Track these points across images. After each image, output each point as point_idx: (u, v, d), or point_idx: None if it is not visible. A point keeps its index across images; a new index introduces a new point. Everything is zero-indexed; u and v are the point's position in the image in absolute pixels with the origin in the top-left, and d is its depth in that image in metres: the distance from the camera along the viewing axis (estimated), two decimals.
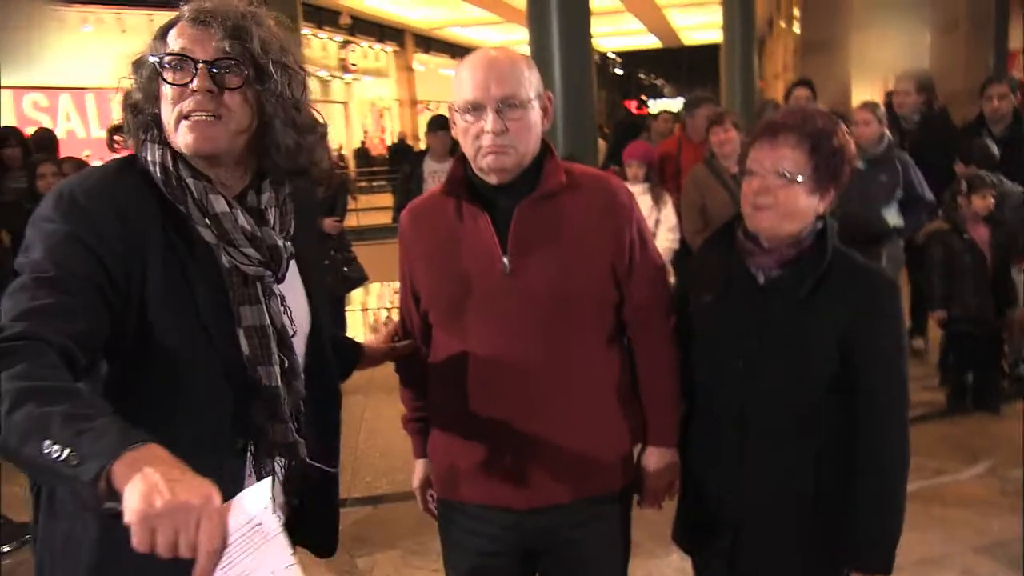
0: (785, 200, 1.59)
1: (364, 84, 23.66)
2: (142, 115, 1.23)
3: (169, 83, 1.18)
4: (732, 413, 1.66)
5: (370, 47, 22.92)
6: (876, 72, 14.91)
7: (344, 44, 21.44)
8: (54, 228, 1.13)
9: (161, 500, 0.85)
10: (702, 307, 1.72)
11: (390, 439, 4.61)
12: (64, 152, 5.62)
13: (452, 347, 1.66)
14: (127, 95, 1.24)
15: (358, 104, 23.81)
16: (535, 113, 1.59)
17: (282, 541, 0.89)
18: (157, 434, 1.08)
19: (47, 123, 13.23)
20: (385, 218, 8.15)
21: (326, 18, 19.29)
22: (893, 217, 4.16)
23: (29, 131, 5.98)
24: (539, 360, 1.60)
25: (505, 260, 1.59)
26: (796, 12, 15.25)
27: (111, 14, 15.10)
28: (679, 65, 34.72)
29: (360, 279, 5.32)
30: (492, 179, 1.60)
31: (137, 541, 0.84)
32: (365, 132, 23.21)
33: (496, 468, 1.64)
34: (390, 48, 24.07)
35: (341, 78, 22.22)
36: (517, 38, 26.96)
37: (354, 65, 22.45)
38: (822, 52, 12.88)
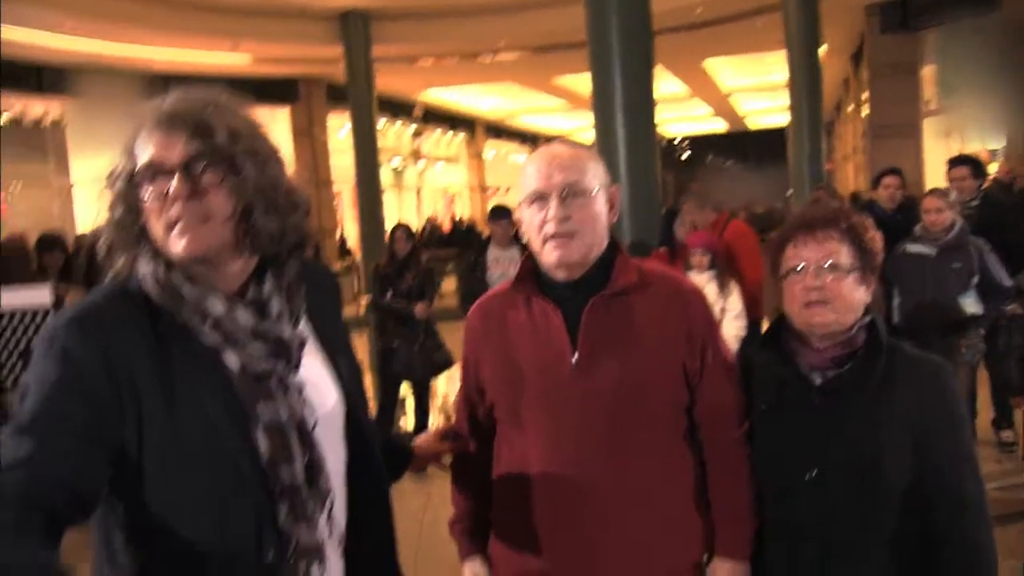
0: (840, 293, 1.56)
1: (436, 171, 24.30)
2: (129, 230, 1.20)
3: (146, 199, 1.17)
4: (808, 527, 1.56)
5: (442, 135, 23.61)
6: (947, 156, 14.64)
7: (417, 134, 22.14)
8: (43, 371, 1.12)
9: None
10: (759, 415, 1.66)
11: None
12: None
13: (517, 444, 1.63)
14: (110, 209, 1.21)
15: (430, 190, 24.41)
16: (600, 203, 1.58)
17: None
18: (184, 562, 1.10)
19: None
20: (450, 302, 8.23)
21: (401, 110, 20.01)
22: (971, 305, 4.00)
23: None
24: (604, 461, 1.56)
25: (575, 357, 1.56)
26: (864, 96, 15.17)
27: None
28: (746, 148, 34.74)
29: (448, 363, 5.36)
30: (560, 275, 1.59)
31: None
32: (434, 213, 23.73)
33: (566, 572, 1.59)
34: (461, 136, 24.75)
35: (414, 166, 22.88)
36: (586, 124, 27.47)
37: (426, 153, 23.13)
38: (892, 136, 12.74)
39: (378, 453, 1.42)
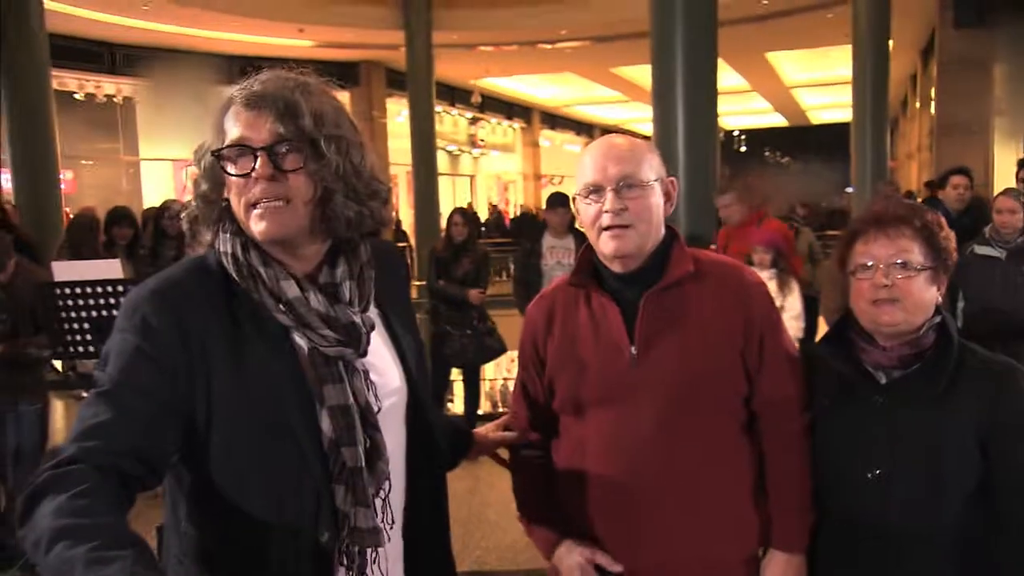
0: (910, 292, 1.51)
1: (491, 158, 24.34)
2: (213, 205, 1.22)
3: (232, 175, 1.18)
4: (868, 524, 1.54)
5: (498, 123, 23.62)
6: (1017, 157, 14.14)
7: (474, 120, 22.19)
8: (123, 340, 1.15)
9: None
10: (820, 410, 1.62)
11: (501, 513, 4.54)
12: None
13: (575, 434, 1.63)
14: (196, 184, 1.23)
15: (484, 177, 24.48)
16: (656, 195, 1.57)
17: None
18: (242, 536, 1.14)
19: None
20: (505, 288, 8.24)
21: (459, 96, 20.06)
22: None
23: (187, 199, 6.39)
24: (662, 451, 1.55)
25: (632, 350, 1.56)
26: (932, 92, 14.72)
27: None
28: (806, 143, 34.06)
29: (500, 350, 5.38)
30: (616, 267, 1.59)
31: None
32: (493, 205, 23.77)
33: (622, 561, 1.58)
34: (517, 124, 24.74)
35: (470, 152, 22.95)
36: (641, 115, 27.21)
37: (482, 141, 23.17)
38: (960, 134, 12.34)
39: (439, 436, 1.40)
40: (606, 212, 1.54)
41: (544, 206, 5.33)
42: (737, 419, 1.62)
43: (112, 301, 3.23)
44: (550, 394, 1.67)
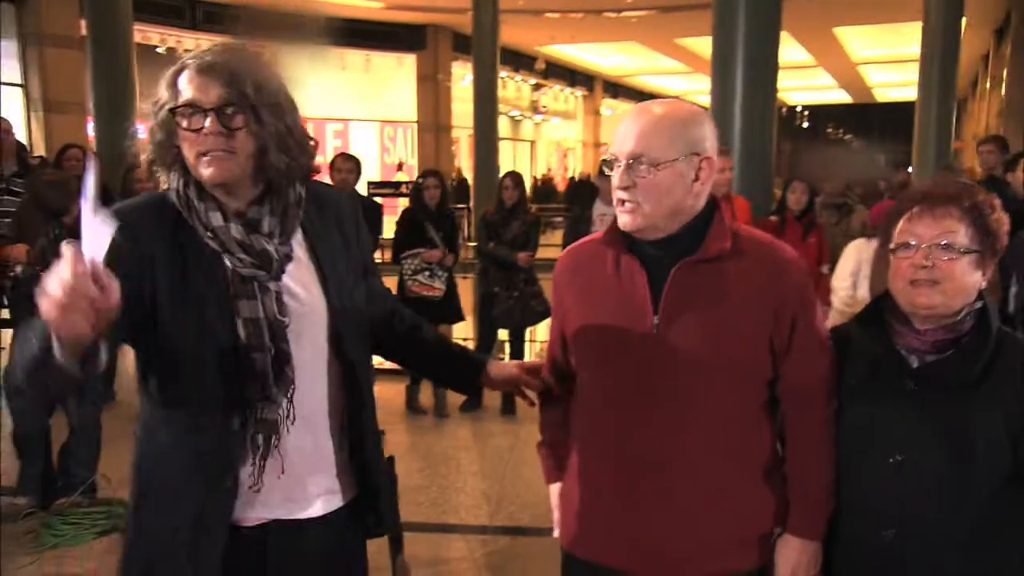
0: (952, 275, 1.42)
1: (552, 125, 24.09)
2: (167, 150, 1.42)
3: (185, 129, 1.38)
4: (888, 513, 1.46)
5: (561, 90, 23.32)
6: None
7: (537, 87, 21.94)
8: None
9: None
10: (848, 391, 1.55)
11: (537, 471, 4.54)
12: None
13: (590, 394, 1.59)
14: (151, 133, 1.43)
15: (545, 143, 24.26)
16: (676, 173, 1.47)
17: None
18: (176, 410, 1.44)
19: None
20: (557, 254, 8.17)
21: (523, 62, 19.83)
22: None
23: None
24: (677, 424, 1.50)
25: (655, 319, 1.50)
26: (1004, 74, 14.01)
27: (335, 53, 16.25)
28: (870, 121, 32.90)
29: (546, 312, 5.35)
30: (636, 236, 1.53)
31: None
32: (549, 168, 23.57)
33: (616, 531, 1.55)
34: (580, 92, 24.39)
35: (531, 118, 22.74)
36: (703, 87, 26.58)
37: (544, 107, 22.92)
38: None
39: (364, 361, 1.58)
40: (616, 187, 1.49)
41: (596, 173, 5.22)
42: (757, 401, 1.54)
43: None
44: (571, 347, 1.63)
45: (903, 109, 23.84)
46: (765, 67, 5.58)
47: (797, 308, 1.52)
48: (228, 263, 1.42)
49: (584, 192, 17.89)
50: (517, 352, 5.56)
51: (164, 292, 1.39)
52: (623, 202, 1.50)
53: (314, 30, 14.08)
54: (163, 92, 1.41)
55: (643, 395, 1.51)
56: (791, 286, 1.52)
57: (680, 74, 23.38)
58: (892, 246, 1.48)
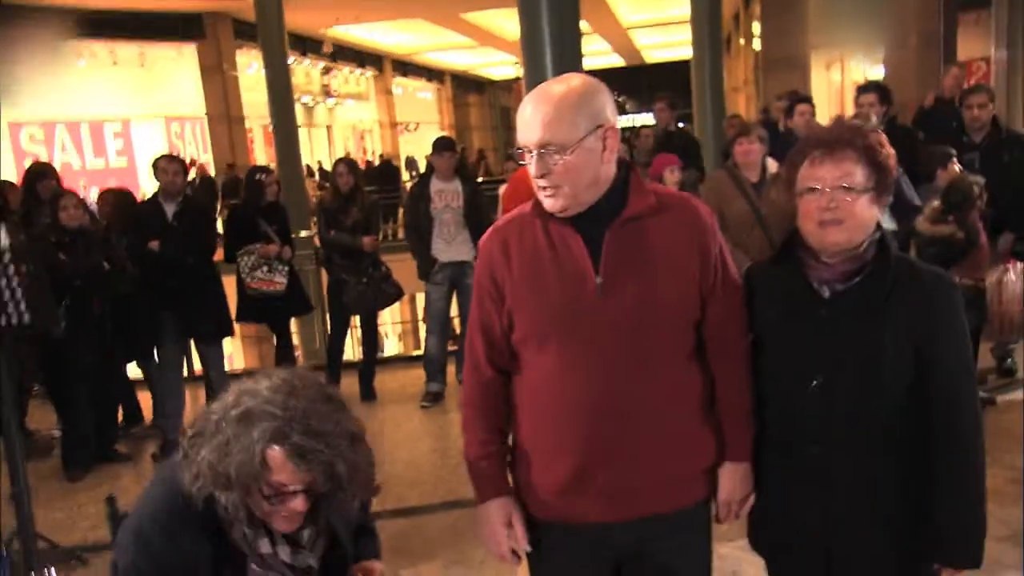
0: (853, 213, 1.56)
1: (346, 107, 23.52)
2: (230, 493, 1.37)
3: (269, 503, 1.38)
4: (812, 430, 1.61)
5: (351, 72, 22.80)
6: (833, 86, 15.13)
7: (326, 71, 21.31)
8: (133, 562, 1.42)
9: None
10: (765, 323, 1.68)
11: (412, 451, 4.54)
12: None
13: (541, 366, 1.62)
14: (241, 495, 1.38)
15: (340, 127, 23.66)
16: (584, 151, 1.53)
17: None
18: None
19: (43, 155, 13.01)
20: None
21: (309, 46, 19.16)
22: (885, 221, 4.16)
23: (26, 164, 5.89)
24: (627, 377, 1.57)
25: (598, 280, 1.55)
26: (756, 30, 15.41)
27: (103, 48, 14.90)
28: (639, 83, 34.96)
29: (397, 294, 5.27)
30: (561, 214, 1.57)
31: None
32: (347, 152, 23.03)
33: (588, 484, 1.60)
34: (370, 73, 23.96)
35: (324, 103, 22.08)
36: (491, 60, 26.99)
37: (336, 91, 22.33)
38: (783, 69, 13.02)
39: None
40: (534, 176, 1.54)
41: (431, 152, 5.20)
42: (690, 343, 1.65)
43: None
44: (510, 327, 1.64)
45: (670, 68, 25.50)
46: (572, 41, 5.82)
47: (718, 254, 1.64)
48: None
49: (389, 174, 17.63)
50: (371, 338, 5.47)
51: None
52: (543, 188, 1.54)
53: (65, 23, 12.79)
54: (245, 459, 1.34)
55: (598, 353, 1.56)
56: (710, 234, 1.63)
57: (467, 48, 23.59)
58: (798, 190, 1.61)
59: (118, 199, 5.17)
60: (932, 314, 1.57)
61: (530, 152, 1.54)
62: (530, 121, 1.53)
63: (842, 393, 1.59)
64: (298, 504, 1.37)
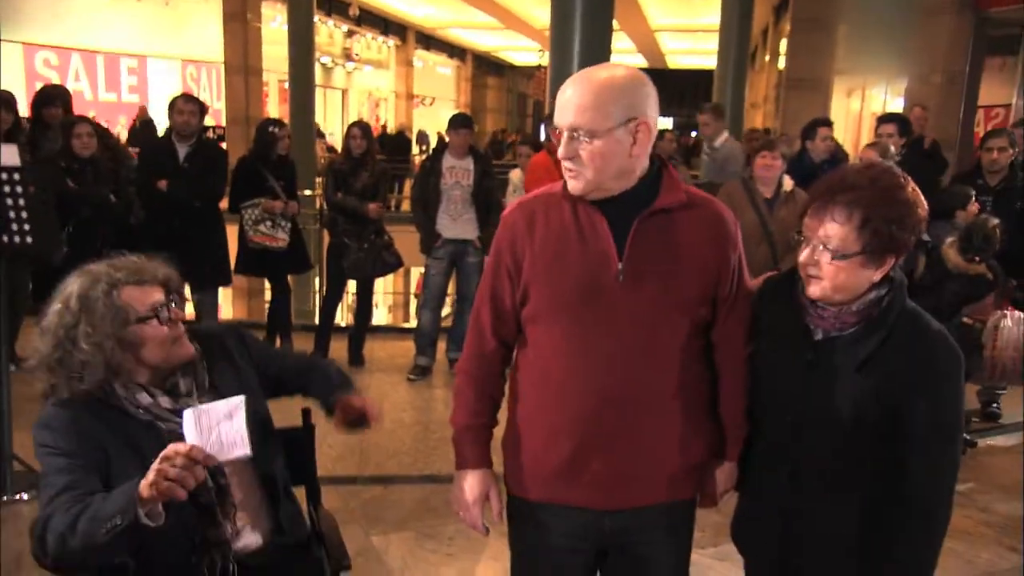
0: (830, 275, 1.51)
1: (364, 73, 23.37)
2: (114, 357, 1.64)
3: (156, 329, 1.70)
4: (787, 456, 1.64)
5: (373, 39, 22.64)
6: (851, 114, 15.11)
7: (350, 34, 21.15)
8: (43, 444, 1.64)
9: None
10: (758, 343, 1.68)
11: (395, 421, 4.53)
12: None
13: (550, 343, 1.61)
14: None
15: (356, 92, 23.52)
16: (614, 140, 1.52)
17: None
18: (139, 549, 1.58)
19: (56, 81, 12.88)
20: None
21: (336, 7, 19.01)
22: None
23: (38, 87, 5.83)
24: (637, 365, 1.57)
25: (619, 265, 1.55)
26: (782, 48, 15.34)
27: None
28: (659, 87, 34.91)
29: (397, 264, 5.24)
30: (584, 197, 1.58)
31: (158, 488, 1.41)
32: (360, 118, 22.87)
33: (583, 468, 1.61)
34: (392, 42, 23.80)
35: (343, 66, 21.93)
36: (514, 44, 26.83)
37: (357, 55, 22.17)
38: (804, 90, 12.97)
39: (278, 462, 1.89)
40: (561, 157, 1.55)
41: (447, 127, 5.16)
42: (699, 343, 1.65)
43: (7, 189, 2.91)
44: (523, 300, 1.63)
45: (691, 75, 25.32)
46: (602, 33, 5.79)
47: (737, 262, 1.64)
48: (163, 425, 1.67)
49: (401, 145, 17.51)
50: (365, 304, 5.46)
51: (115, 461, 1.63)
52: (568, 169, 1.56)
53: None
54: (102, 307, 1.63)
55: (611, 337, 1.56)
56: (732, 242, 1.63)
57: (493, 29, 23.44)
58: (795, 232, 1.59)
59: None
60: (925, 378, 1.51)
61: (562, 134, 1.54)
62: (567, 103, 1.54)
63: (810, 436, 1.59)
64: (177, 314, 1.71)
